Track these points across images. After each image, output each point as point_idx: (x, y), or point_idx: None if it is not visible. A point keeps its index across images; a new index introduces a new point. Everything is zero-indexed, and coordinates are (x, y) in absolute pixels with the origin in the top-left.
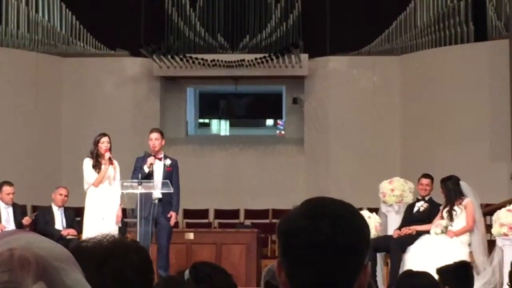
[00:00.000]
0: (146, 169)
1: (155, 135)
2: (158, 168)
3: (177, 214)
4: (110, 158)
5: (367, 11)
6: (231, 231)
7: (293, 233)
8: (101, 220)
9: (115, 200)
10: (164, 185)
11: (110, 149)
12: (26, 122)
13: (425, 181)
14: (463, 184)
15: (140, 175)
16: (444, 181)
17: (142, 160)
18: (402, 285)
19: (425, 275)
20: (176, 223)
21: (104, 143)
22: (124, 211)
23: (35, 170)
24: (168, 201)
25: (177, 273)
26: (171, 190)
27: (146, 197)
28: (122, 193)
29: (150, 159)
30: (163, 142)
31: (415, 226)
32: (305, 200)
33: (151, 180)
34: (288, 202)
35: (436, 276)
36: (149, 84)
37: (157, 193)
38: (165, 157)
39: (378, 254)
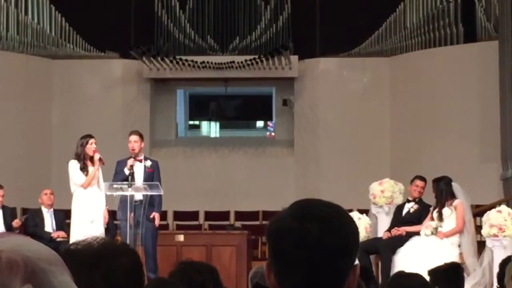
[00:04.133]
0: (126, 171)
1: (134, 138)
2: (139, 170)
3: (160, 214)
4: (100, 159)
5: (357, 13)
6: (221, 233)
7: (282, 235)
8: (89, 223)
9: (102, 202)
10: (154, 187)
11: (96, 150)
12: (16, 124)
13: (420, 183)
14: (455, 185)
15: (129, 178)
16: (436, 181)
17: (123, 163)
18: (394, 286)
19: (416, 276)
20: (166, 225)
21: (92, 145)
22: (114, 213)
23: (25, 172)
24: (150, 202)
25: (170, 274)
26: (161, 192)
27: (129, 199)
28: (112, 195)
29: (130, 161)
30: (143, 144)
31: (405, 227)
32: (294, 202)
33: (134, 182)
34: (278, 203)
35: (427, 277)
36: (139, 86)
37: (138, 195)
38: (145, 158)
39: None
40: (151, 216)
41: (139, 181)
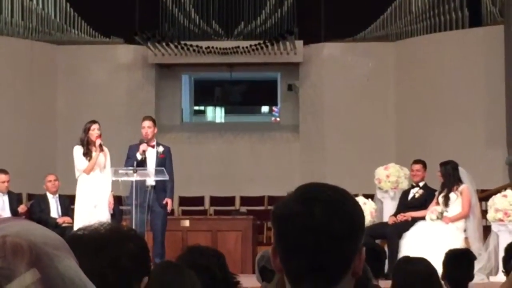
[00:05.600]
0: (139, 156)
1: (147, 123)
2: (151, 155)
3: (172, 200)
4: (100, 145)
5: None
6: (226, 218)
7: (287, 219)
8: (93, 208)
9: (107, 187)
10: (159, 172)
11: (100, 136)
12: (21, 110)
13: (415, 166)
14: (461, 170)
15: (135, 163)
16: (443, 164)
17: (135, 148)
18: (399, 271)
19: (422, 261)
20: (172, 210)
21: (94, 130)
22: (120, 198)
23: (30, 158)
24: (162, 188)
25: (176, 259)
26: (166, 178)
27: (140, 185)
28: (118, 180)
29: (143, 146)
30: (156, 130)
31: (410, 212)
32: (299, 186)
33: (145, 168)
34: (283, 188)
35: (433, 262)
36: (143, 72)
37: (150, 181)
38: (158, 144)
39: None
40: (164, 202)
41: (151, 166)
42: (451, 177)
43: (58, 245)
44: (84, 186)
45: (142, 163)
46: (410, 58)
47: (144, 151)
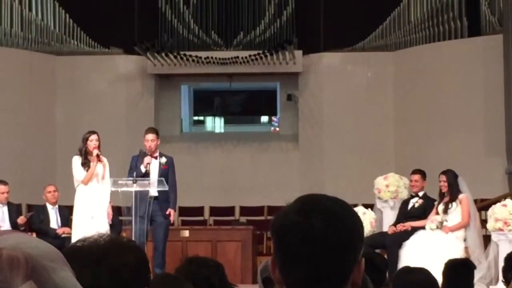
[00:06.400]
0: (143, 169)
1: (151, 137)
2: (154, 166)
3: (175, 211)
4: (98, 155)
5: (360, 7)
6: (226, 228)
7: (286, 230)
8: (90, 219)
9: (105, 198)
10: (159, 183)
11: (99, 147)
12: (20, 121)
13: (414, 176)
14: (460, 180)
15: (135, 174)
16: (446, 172)
17: (137, 159)
18: (399, 281)
19: (422, 271)
20: (173, 221)
21: (92, 141)
22: (119, 209)
23: (29, 168)
24: (164, 199)
25: (175, 270)
26: (166, 188)
27: (142, 195)
28: (117, 191)
29: (147, 159)
30: (159, 142)
31: (410, 222)
32: (298, 197)
33: (148, 179)
34: (283, 198)
35: (433, 272)
36: (143, 82)
37: (153, 191)
38: (161, 155)
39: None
40: (167, 212)
41: (154, 177)
42: (453, 185)
43: (54, 257)
44: (81, 197)
45: (146, 175)
46: (409, 67)
47: (148, 164)
